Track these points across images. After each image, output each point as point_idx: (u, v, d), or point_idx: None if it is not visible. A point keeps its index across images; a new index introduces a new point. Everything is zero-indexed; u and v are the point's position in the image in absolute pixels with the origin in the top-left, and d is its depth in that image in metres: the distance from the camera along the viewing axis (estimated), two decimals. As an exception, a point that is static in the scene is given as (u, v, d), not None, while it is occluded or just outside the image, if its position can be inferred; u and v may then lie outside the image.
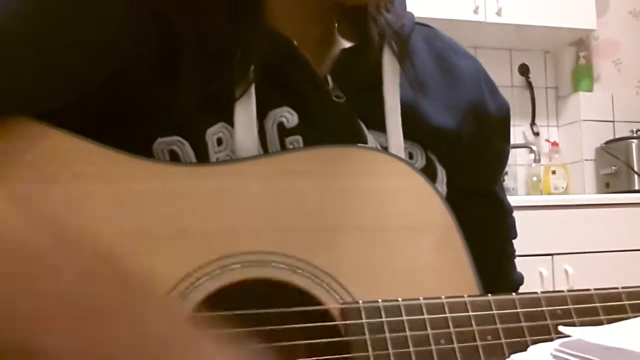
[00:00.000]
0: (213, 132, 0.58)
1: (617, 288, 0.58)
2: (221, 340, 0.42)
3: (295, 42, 0.61)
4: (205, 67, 0.58)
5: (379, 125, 0.64)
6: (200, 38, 0.58)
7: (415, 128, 0.65)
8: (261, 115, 0.59)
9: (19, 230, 0.40)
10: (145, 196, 0.52)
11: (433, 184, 0.62)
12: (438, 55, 0.72)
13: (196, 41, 0.58)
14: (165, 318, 0.41)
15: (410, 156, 0.66)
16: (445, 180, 0.68)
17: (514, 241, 0.77)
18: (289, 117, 0.60)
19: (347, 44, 0.66)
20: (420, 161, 0.66)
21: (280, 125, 0.60)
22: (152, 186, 0.53)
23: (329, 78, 0.64)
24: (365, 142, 0.63)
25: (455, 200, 0.63)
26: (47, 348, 0.37)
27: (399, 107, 0.65)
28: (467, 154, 0.70)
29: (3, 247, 0.39)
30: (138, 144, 0.54)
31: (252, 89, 0.58)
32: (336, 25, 0.66)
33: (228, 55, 0.59)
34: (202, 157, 0.57)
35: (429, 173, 0.65)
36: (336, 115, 0.62)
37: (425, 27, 0.74)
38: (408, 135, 0.65)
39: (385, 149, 0.64)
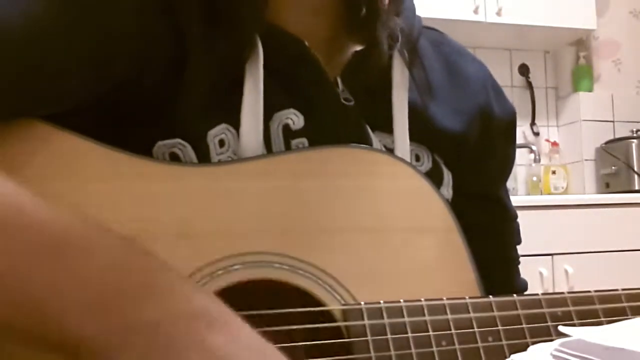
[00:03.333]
0: (215, 134, 0.58)
1: (617, 290, 0.58)
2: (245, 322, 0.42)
3: (306, 43, 0.61)
4: (212, 35, 0.58)
5: (386, 127, 0.64)
6: (206, 10, 0.58)
7: (423, 130, 0.66)
8: (267, 116, 0.59)
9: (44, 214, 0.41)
10: (146, 196, 0.52)
11: (435, 186, 0.63)
12: (446, 59, 0.72)
13: (201, 14, 0.58)
14: (192, 294, 0.41)
15: (417, 158, 0.66)
16: (451, 184, 0.68)
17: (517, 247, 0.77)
18: (295, 119, 0.60)
19: (358, 48, 0.65)
20: (427, 163, 0.66)
21: (286, 127, 0.60)
22: (154, 187, 0.53)
23: (339, 80, 0.64)
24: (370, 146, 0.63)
25: (461, 204, 0.63)
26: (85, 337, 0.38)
27: (407, 109, 0.65)
28: (473, 158, 0.70)
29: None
30: (138, 147, 0.54)
31: (261, 90, 0.58)
32: (347, 28, 0.65)
33: (233, 19, 0.59)
34: (204, 159, 0.57)
35: (435, 176, 0.65)
36: (343, 119, 0.62)
37: (433, 31, 0.74)
38: (415, 137, 0.65)
39: (391, 150, 0.64)
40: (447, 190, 0.67)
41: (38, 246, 0.40)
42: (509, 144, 0.75)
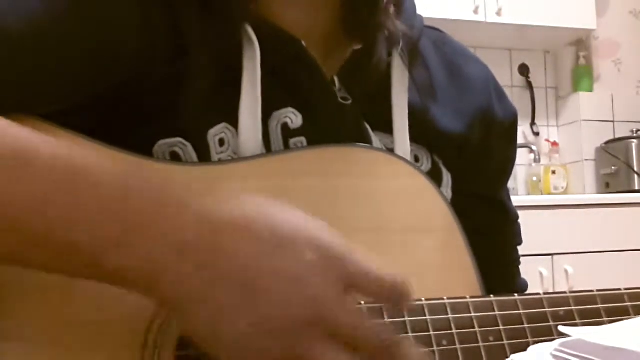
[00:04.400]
0: (215, 133, 0.58)
1: (619, 289, 0.58)
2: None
3: (303, 42, 0.61)
4: (207, 30, 0.58)
5: (386, 127, 0.64)
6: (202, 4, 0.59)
7: (423, 131, 0.66)
8: (265, 115, 0.59)
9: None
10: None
11: (436, 185, 0.62)
12: (447, 60, 0.72)
13: (198, 10, 0.58)
14: (207, 208, 0.43)
15: (417, 159, 0.66)
16: (450, 185, 0.68)
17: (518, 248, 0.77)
18: (294, 118, 0.60)
19: (356, 47, 0.65)
20: (426, 164, 0.66)
21: (285, 126, 0.60)
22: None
23: (336, 79, 0.63)
24: (370, 145, 0.63)
25: (461, 205, 0.63)
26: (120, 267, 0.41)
27: (407, 110, 0.65)
28: (474, 159, 0.70)
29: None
30: (138, 146, 0.54)
31: (258, 89, 0.58)
32: (345, 26, 0.65)
33: (223, 9, 0.59)
34: (204, 158, 0.57)
35: (434, 176, 0.64)
36: (341, 117, 0.62)
37: (434, 31, 0.74)
38: (415, 138, 0.65)
39: (391, 151, 0.64)
40: (447, 191, 0.67)
41: (53, 184, 0.41)
42: (510, 146, 0.75)
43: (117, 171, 0.43)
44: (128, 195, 0.42)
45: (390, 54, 0.66)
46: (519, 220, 0.77)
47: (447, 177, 0.68)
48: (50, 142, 0.43)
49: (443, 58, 0.72)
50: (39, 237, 0.41)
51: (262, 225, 0.43)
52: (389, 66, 0.66)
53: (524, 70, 3.07)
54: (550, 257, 2.31)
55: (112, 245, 0.41)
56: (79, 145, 0.45)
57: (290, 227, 0.43)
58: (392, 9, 0.65)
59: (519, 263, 0.76)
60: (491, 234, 0.71)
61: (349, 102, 0.63)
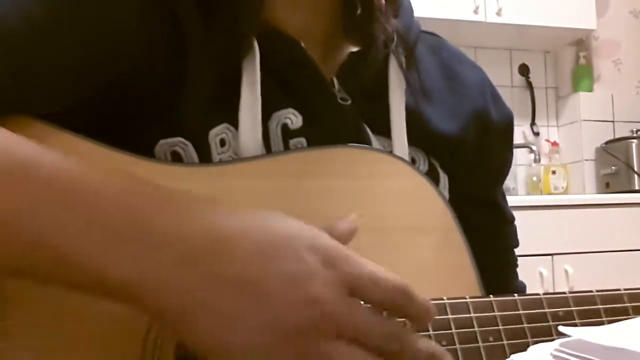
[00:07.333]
0: (216, 133, 0.58)
1: (619, 290, 0.58)
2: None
3: (302, 44, 0.61)
4: (210, 34, 0.58)
5: (384, 130, 0.64)
6: (204, 9, 0.58)
7: (419, 134, 0.66)
8: (265, 116, 0.59)
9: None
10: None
11: (435, 185, 0.63)
12: (443, 64, 0.72)
13: (200, 13, 0.58)
14: (200, 218, 0.43)
15: (413, 161, 0.66)
16: (447, 187, 0.68)
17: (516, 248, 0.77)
18: (294, 118, 0.61)
19: (354, 49, 0.65)
20: (423, 167, 0.67)
21: (285, 127, 0.60)
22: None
23: (335, 80, 0.64)
24: (370, 145, 0.63)
25: (457, 207, 0.63)
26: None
27: (404, 113, 0.65)
28: (470, 161, 0.70)
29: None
30: (140, 146, 0.54)
31: (258, 90, 0.59)
32: (343, 28, 0.65)
33: (229, 18, 0.59)
34: (205, 158, 0.57)
35: (431, 178, 0.65)
36: (341, 118, 0.62)
37: (431, 36, 0.74)
38: (411, 140, 0.65)
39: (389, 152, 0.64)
40: (444, 192, 0.67)
41: (51, 194, 0.41)
42: (506, 148, 0.76)
43: (121, 183, 0.43)
44: (131, 206, 0.42)
45: (387, 57, 0.66)
46: (518, 220, 0.77)
47: (443, 179, 0.68)
48: (52, 155, 0.43)
49: (439, 62, 0.72)
50: (31, 244, 0.41)
51: (261, 233, 0.43)
52: (386, 68, 0.66)
53: (524, 70, 3.07)
54: (550, 257, 2.31)
55: (113, 255, 0.41)
56: (83, 162, 0.45)
57: (289, 232, 0.43)
58: (389, 12, 0.65)
59: (516, 265, 0.76)
60: (487, 235, 0.71)
61: (348, 102, 0.63)
